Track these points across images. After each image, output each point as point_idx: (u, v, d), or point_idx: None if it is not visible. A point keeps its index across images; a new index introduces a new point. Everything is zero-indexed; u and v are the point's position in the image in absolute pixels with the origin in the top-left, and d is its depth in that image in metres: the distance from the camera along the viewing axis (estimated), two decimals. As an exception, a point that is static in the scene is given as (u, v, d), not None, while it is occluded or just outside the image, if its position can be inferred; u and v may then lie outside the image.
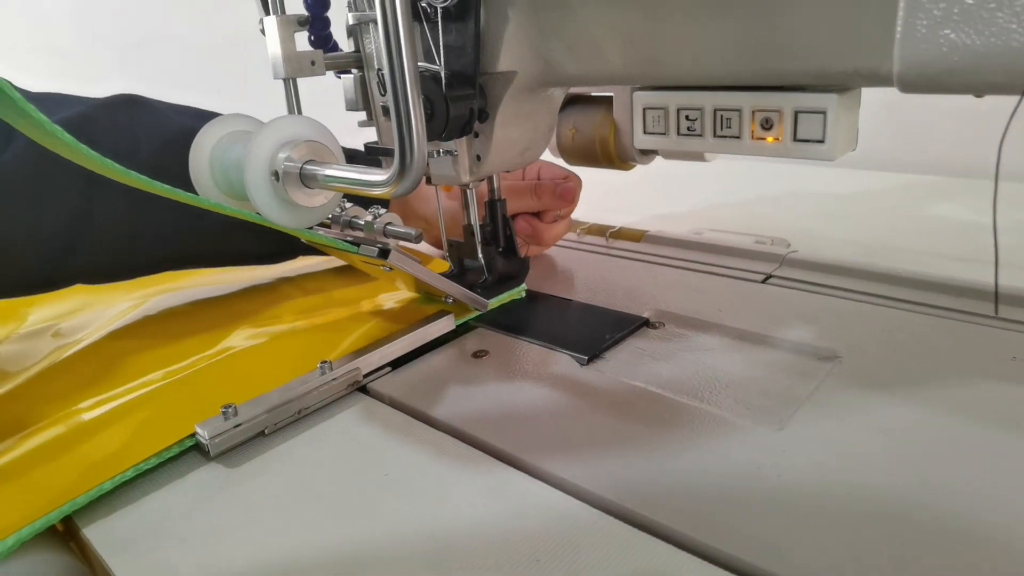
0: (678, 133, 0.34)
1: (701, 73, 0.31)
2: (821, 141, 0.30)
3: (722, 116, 0.32)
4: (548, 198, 0.55)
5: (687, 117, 0.34)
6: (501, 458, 0.32)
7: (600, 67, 0.34)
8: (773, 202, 0.72)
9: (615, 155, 0.53)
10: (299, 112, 0.42)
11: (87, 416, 0.37)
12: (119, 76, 1.70)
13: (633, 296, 0.49)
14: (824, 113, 0.29)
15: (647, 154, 0.54)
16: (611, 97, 0.53)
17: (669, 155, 0.52)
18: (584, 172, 0.56)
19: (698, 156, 0.50)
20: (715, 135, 0.33)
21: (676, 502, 0.29)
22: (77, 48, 1.74)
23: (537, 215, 0.56)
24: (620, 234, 0.61)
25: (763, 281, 0.50)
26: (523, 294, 0.51)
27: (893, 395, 0.35)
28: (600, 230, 0.63)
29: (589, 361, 0.41)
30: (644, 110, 0.35)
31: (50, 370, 0.43)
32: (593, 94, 0.55)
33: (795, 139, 0.31)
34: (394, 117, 0.28)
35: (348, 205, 0.43)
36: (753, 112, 0.32)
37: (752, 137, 0.32)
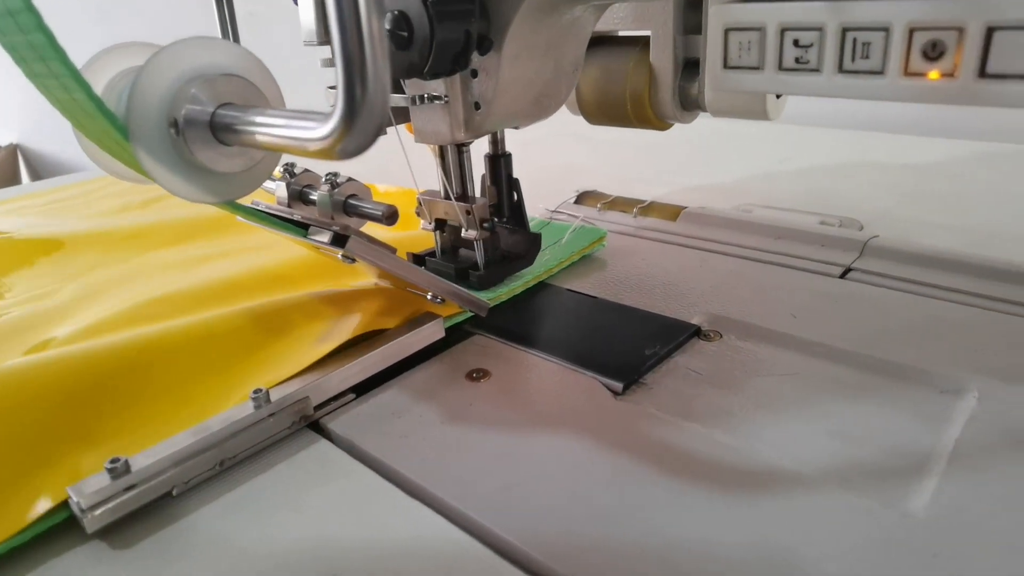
0: (779, 67, 0.23)
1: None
2: (1031, 77, 0.19)
3: (856, 40, 0.21)
4: None
5: (796, 42, 0.22)
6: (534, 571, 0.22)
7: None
8: (831, 172, 0.60)
9: (651, 113, 0.42)
10: (235, 42, 0.30)
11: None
12: (97, 26, 1.57)
13: (676, 294, 0.38)
14: (1044, 30, 0.18)
15: (690, 110, 0.42)
16: (647, 38, 0.41)
17: (720, 112, 0.40)
18: (597, 131, 0.44)
19: (760, 113, 0.39)
20: (840, 69, 0.22)
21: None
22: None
23: None
24: (651, 210, 0.50)
25: (842, 275, 0.39)
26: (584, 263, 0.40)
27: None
28: (625, 205, 0.51)
29: (625, 389, 0.30)
30: (726, 32, 0.23)
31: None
32: (622, 34, 0.43)
33: (981, 74, 0.19)
34: (336, 28, 0.17)
35: (299, 170, 0.32)
36: (911, 31, 0.20)
37: (903, 72, 0.20)
